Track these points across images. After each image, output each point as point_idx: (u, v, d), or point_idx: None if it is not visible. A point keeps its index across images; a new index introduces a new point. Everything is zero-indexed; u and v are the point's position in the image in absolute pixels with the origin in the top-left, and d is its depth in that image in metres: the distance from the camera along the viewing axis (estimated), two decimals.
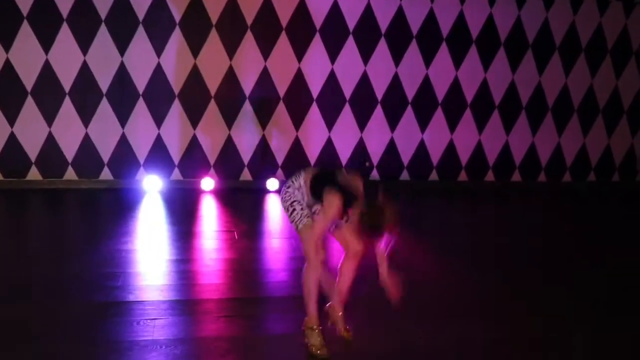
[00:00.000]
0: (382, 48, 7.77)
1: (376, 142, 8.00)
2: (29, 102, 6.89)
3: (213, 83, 7.30)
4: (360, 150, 7.92)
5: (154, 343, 3.45)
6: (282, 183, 7.31)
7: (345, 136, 7.86)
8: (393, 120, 7.99)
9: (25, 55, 6.80)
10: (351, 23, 7.62)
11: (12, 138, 6.93)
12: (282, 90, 7.53)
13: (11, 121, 6.89)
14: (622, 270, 5.30)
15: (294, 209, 3.52)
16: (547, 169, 8.74)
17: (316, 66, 7.59)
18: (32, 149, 7.02)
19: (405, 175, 8.18)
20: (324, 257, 3.53)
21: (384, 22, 7.73)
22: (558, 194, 8.55)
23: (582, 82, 8.64)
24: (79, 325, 3.65)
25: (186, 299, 4.16)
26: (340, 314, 3.65)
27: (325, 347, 3.47)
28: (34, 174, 7.07)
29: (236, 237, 5.66)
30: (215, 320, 3.85)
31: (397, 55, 7.84)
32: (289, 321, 3.88)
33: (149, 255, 5.06)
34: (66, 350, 3.33)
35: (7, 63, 6.76)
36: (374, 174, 8.02)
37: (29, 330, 3.55)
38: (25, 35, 6.76)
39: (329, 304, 3.73)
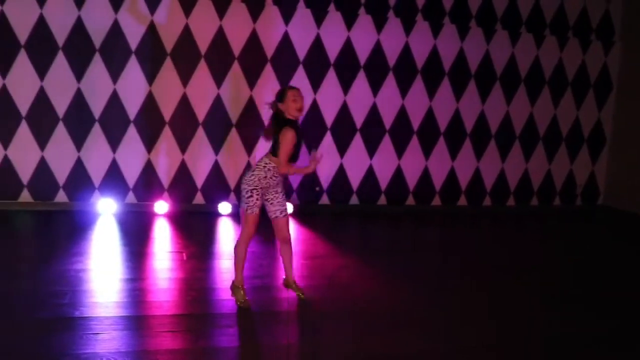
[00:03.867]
0: (331, 77, 8.19)
1: (326, 168, 8.33)
2: None
3: (168, 109, 7.55)
4: (311, 175, 8.23)
5: (95, 356, 3.65)
6: (234, 207, 7.60)
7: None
8: (342, 146, 8.35)
9: None
10: (301, 54, 8.00)
11: None
12: (234, 117, 7.83)
13: None
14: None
15: (251, 196, 4.44)
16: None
17: (268, 95, 7.89)
18: None
19: (354, 200, 8.52)
20: (253, 237, 4.59)
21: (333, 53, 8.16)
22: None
23: (546, 112, 9.38)
24: (22, 340, 3.82)
25: (131, 315, 4.36)
26: (293, 280, 4.87)
27: (247, 301, 4.59)
28: None
29: (184, 258, 5.87)
30: (157, 334, 4.06)
31: (346, 84, 8.24)
32: (228, 335, 4.13)
33: (99, 274, 5.23)
34: None
35: None
36: (324, 199, 8.35)
37: None
38: None
39: (284, 277, 4.92)
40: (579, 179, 9.70)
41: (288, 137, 4.36)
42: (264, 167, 4.46)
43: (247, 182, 4.48)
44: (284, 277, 4.97)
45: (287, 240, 4.77)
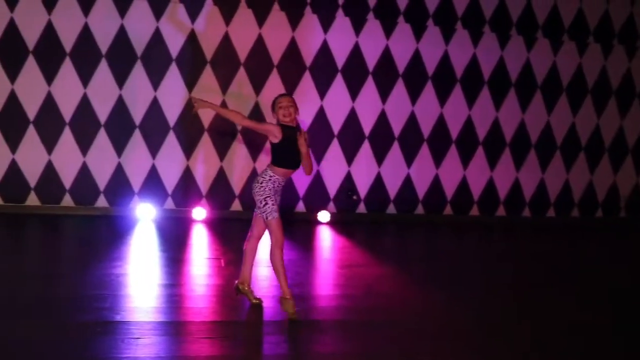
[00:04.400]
0: (370, 86, 8.16)
1: (364, 176, 8.30)
2: (31, 130, 7.21)
3: (207, 116, 7.61)
4: (347, 183, 8.22)
5: None
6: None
7: (333, 170, 8.16)
8: (380, 155, 8.31)
9: (29, 87, 7.16)
10: (340, 62, 8.00)
11: (14, 165, 7.23)
12: None
13: (13, 148, 7.20)
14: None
15: (267, 203, 4.45)
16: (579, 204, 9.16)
17: (306, 103, 7.92)
18: (32, 176, 7.31)
19: (392, 209, 8.46)
20: (283, 241, 4.49)
21: (371, 61, 8.14)
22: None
23: (589, 122, 9.14)
24: (65, 343, 3.86)
25: (170, 321, 4.38)
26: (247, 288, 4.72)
27: (295, 313, 4.41)
28: (33, 199, 7.35)
29: (222, 264, 5.89)
30: (195, 340, 4.06)
31: (384, 93, 8.20)
32: (266, 343, 4.11)
33: (139, 279, 5.28)
34: None
35: (12, 94, 7.11)
36: (361, 208, 8.31)
37: (16, 347, 3.76)
38: (30, 68, 7.13)
39: (238, 281, 4.75)
40: (623, 191, 9.45)
41: (270, 125, 4.45)
42: (269, 179, 4.47)
43: (259, 193, 4.48)
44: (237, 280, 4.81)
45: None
